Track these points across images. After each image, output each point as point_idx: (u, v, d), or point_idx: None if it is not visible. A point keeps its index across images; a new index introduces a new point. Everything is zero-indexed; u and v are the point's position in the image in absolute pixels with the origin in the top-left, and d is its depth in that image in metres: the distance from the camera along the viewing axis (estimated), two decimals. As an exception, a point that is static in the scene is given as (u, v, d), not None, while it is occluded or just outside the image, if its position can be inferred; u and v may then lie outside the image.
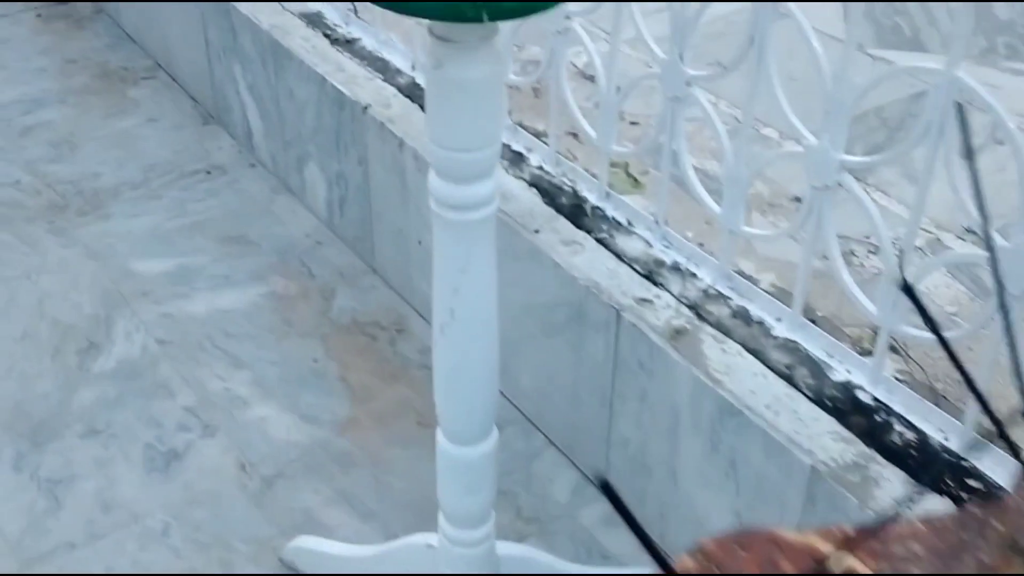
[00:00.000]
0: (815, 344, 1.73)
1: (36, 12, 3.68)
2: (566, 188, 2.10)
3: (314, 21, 2.68)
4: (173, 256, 2.65)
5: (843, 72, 1.49)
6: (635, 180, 2.25)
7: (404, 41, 2.54)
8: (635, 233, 1.99)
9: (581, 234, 2.00)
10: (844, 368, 1.68)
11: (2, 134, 3.07)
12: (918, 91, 2.49)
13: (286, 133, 2.76)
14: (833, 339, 1.71)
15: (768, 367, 1.69)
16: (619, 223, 2.02)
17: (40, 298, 2.50)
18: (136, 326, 2.42)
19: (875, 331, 1.66)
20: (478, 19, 0.99)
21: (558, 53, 1.99)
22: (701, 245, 1.95)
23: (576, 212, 2.04)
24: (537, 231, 2.00)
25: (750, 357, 1.71)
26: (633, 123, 2.48)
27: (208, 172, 2.95)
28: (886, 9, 2.83)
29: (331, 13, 2.69)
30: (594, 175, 2.06)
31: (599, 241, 1.99)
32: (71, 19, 3.68)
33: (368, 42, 2.59)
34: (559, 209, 2.05)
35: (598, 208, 2.05)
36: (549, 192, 2.09)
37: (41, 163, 2.97)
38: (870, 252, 2.08)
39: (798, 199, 2.19)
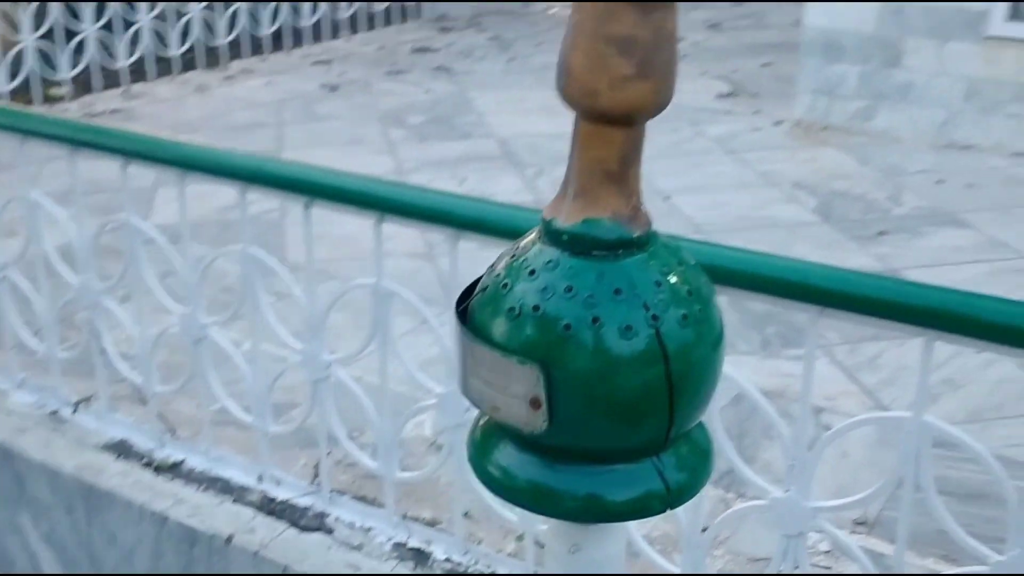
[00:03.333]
0: None
1: None
2: (491, 580, 2.00)
3: (124, 451, 2.45)
4: None
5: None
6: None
7: (239, 451, 2.38)
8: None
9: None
10: None
11: None
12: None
13: (105, 580, 2.44)
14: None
15: None
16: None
17: None
18: None
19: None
20: (662, 512, 0.95)
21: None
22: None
23: (516, 605, 1.94)
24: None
25: None
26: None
27: (3, 646, 2.52)
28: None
29: (140, 439, 2.47)
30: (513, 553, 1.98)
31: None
32: None
33: (196, 461, 2.39)
34: (498, 607, 1.94)
35: (530, 593, 1.97)
36: (477, 588, 1.99)
37: None
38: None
39: None
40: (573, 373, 0.90)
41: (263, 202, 4.03)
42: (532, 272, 0.92)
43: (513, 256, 0.97)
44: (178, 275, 2.24)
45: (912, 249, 3.71)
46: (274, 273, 2.10)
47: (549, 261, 0.92)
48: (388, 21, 7.71)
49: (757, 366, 2.84)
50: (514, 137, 5.06)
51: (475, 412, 1.01)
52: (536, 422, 0.91)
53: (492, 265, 0.99)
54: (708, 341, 0.95)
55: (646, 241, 0.94)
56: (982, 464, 1.57)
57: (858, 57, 5.01)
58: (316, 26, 7.08)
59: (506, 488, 0.97)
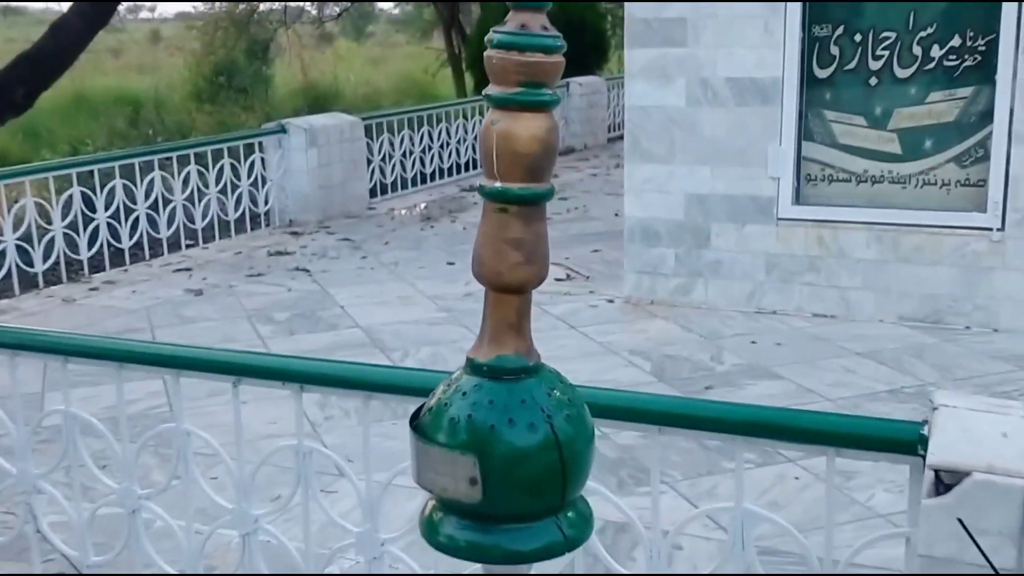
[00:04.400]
0: None
1: None
2: None
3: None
4: None
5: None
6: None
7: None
8: None
9: None
10: None
11: None
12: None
13: None
14: None
15: None
16: None
17: None
18: None
19: None
20: (562, 555, 1.38)
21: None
22: None
23: None
24: None
25: None
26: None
27: None
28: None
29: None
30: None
31: None
32: None
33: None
34: None
35: None
36: None
37: None
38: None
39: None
40: (498, 458, 1.34)
41: (152, 399, 4.34)
42: (464, 394, 1.37)
43: (448, 385, 1.42)
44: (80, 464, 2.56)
45: (736, 399, 4.29)
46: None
47: (475, 385, 1.37)
48: (241, 229, 8.16)
49: (616, 502, 3.29)
50: (377, 326, 5.53)
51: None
52: (474, 495, 1.34)
53: (432, 394, 1.44)
54: (584, 435, 1.41)
55: (538, 368, 1.41)
56: (807, 565, 2.04)
57: (673, 241, 5.75)
58: (174, 236, 7.47)
59: (451, 548, 1.39)
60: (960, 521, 1.61)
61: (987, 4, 5.00)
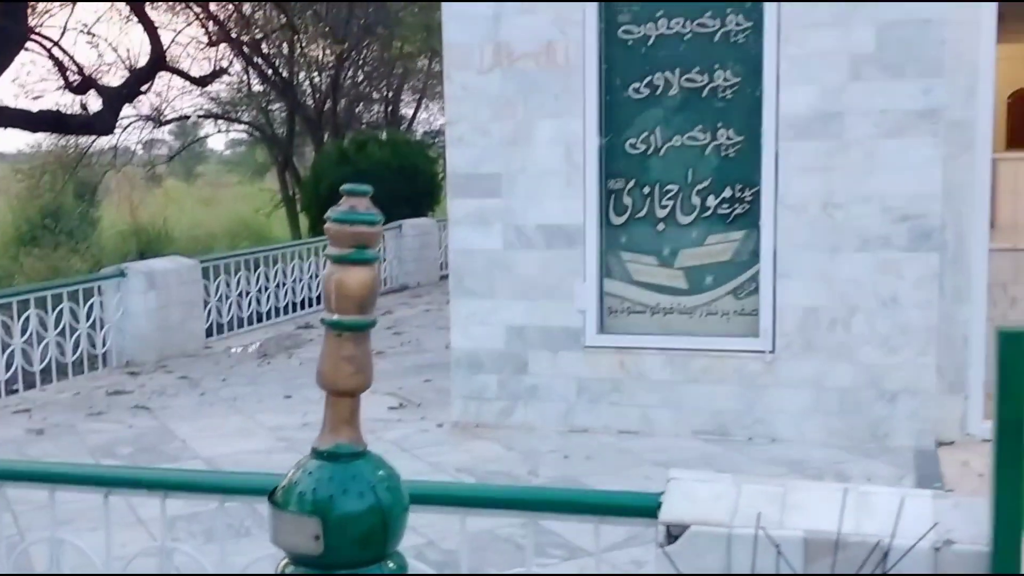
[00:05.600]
0: None
1: None
2: None
3: None
4: None
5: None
6: None
7: None
8: None
9: None
10: None
11: None
12: None
13: None
14: None
15: None
16: None
17: None
18: None
19: None
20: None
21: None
22: None
23: None
24: None
25: None
26: None
27: None
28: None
29: None
30: None
31: None
32: None
33: None
34: None
35: None
36: None
37: None
38: None
39: None
40: (336, 519, 1.82)
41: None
42: (310, 473, 1.86)
43: (297, 467, 1.91)
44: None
45: (549, 508, 4.83)
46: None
47: (318, 466, 1.86)
48: (79, 370, 8.31)
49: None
50: (219, 456, 5.84)
51: None
52: (318, 548, 1.82)
53: (286, 475, 1.91)
54: (401, 503, 1.91)
55: (365, 453, 1.91)
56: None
57: (495, 368, 6.34)
58: (11, 379, 7.59)
59: (300, 593, 1.85)
60: (667, 555, 2.17)
61: (751, 162, 5.91)
